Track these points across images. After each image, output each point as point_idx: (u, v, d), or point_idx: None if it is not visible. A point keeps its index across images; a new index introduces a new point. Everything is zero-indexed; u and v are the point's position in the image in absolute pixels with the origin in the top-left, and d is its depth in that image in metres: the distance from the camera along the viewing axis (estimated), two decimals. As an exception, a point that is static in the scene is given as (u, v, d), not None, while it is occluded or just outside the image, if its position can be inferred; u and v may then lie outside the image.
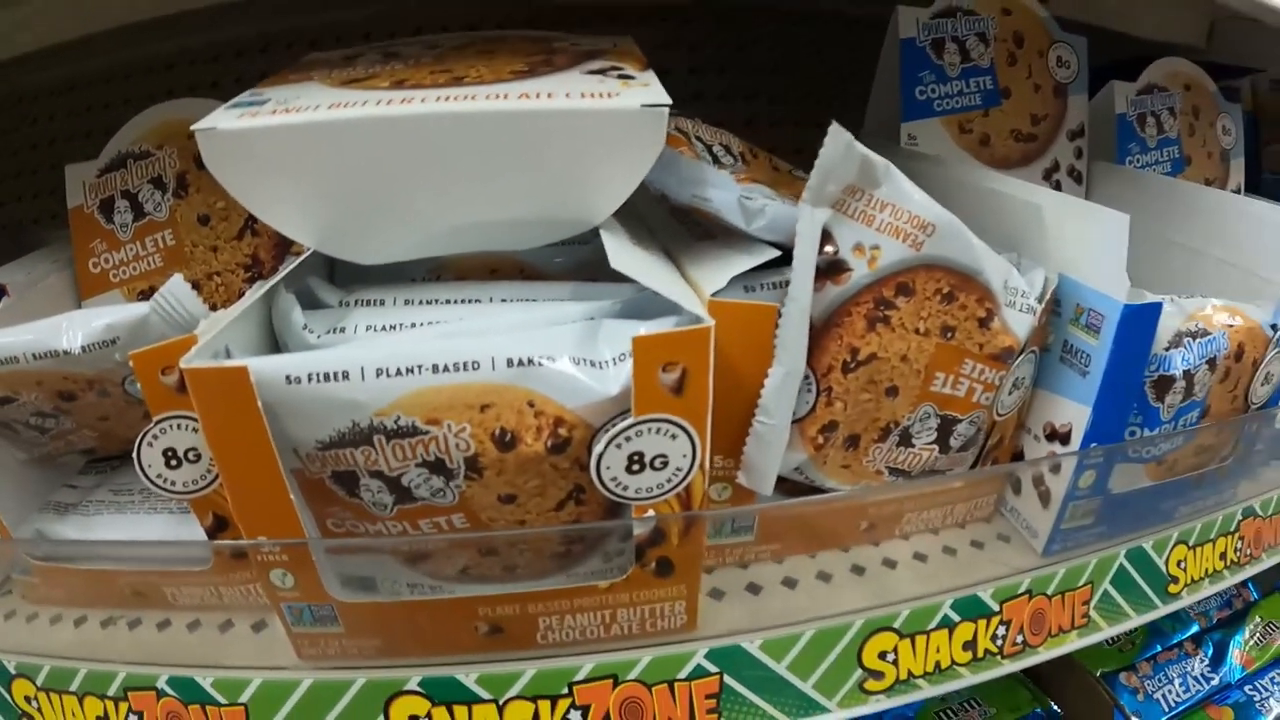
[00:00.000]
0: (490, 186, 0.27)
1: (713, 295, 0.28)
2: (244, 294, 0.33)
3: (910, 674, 0.35)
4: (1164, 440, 0.37)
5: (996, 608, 0.36)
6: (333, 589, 0.29)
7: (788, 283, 0.28)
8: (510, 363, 0.25)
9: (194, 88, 0.57)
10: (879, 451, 0.32)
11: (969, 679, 0.36)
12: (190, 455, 0.29)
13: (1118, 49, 0.54)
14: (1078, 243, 0.33)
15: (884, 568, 0.36)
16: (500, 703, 0.31)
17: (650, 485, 0.26)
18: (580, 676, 0.31)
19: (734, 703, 0.32)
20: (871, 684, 0.34)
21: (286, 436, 0.25)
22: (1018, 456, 0.38)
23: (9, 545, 0.35)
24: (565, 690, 0.31)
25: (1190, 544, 0.41)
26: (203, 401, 0.25)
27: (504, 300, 0.31)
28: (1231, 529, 0.43)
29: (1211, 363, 0.36)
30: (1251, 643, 0.52)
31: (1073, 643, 0.39)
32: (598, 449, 0.25)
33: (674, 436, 0.25)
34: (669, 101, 0.26)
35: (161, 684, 0.32)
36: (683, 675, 0.31)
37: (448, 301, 0.31)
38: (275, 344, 0.30)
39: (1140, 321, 0.32)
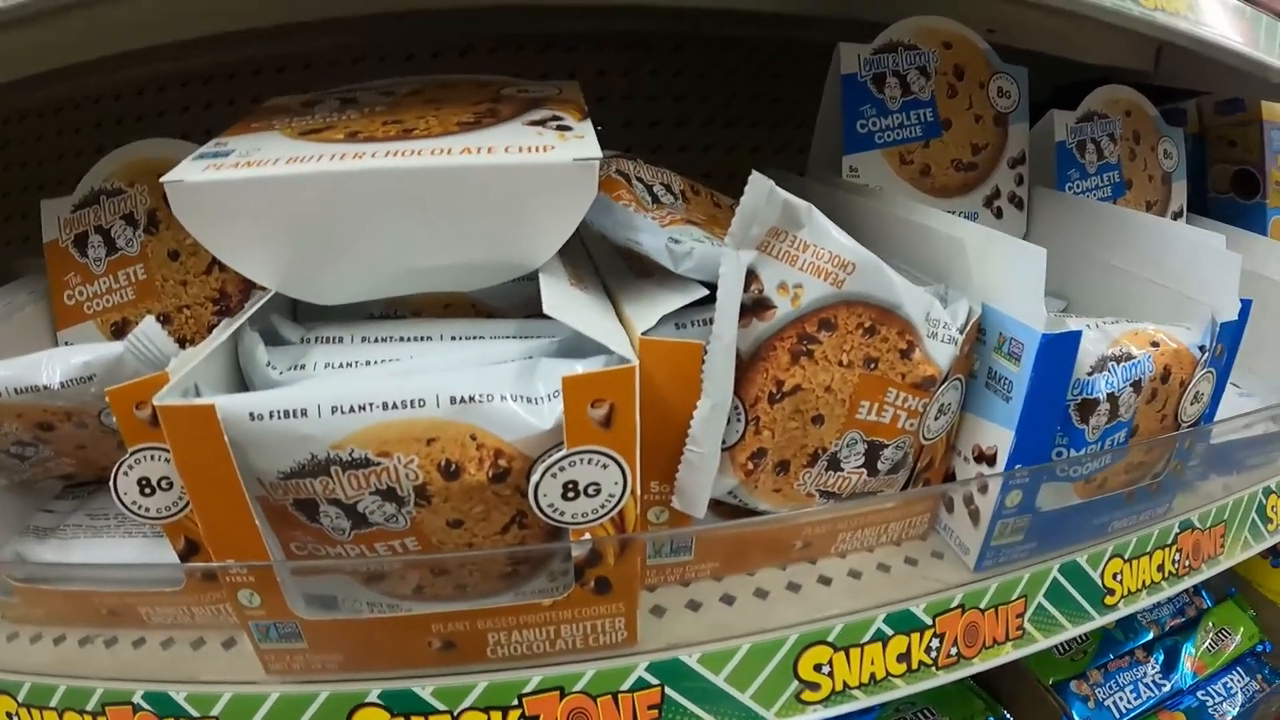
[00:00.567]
0: (435, 234, 0.31)
1: (643, 334, 0.32)
2: (212, 327, 0.37)
3: (846, 685, 0.39)
4: (1090, 460, 0.41)
5: (929, 621, 0.40)
6: (297, 608, 0.33)
7: (717, 320, 0.32)
8: (453, 400, 0.29)
9: (164, 112, 0.62)
10: (809, 476, 0.36)
11: (904, 689, 0.40)
12: (163, 484, 0.33)
13: (1067, 75, 0.59)
14: (998, 274, 0.37)
15: (819, 585, 0.40)
16: (455, 713, 0.35)
17: (585, 511, 0.30)
18: (529, 688, 0.35)
19: (676, 713, 0.36)
20: (808, 695, 0.38)
21: (251, 467, 0.30)
22: (950, 477, 0.42)
23: (-10, 567, 0.39)
24: (515, 701, 0.35)
25: (1126, 557, 0.46)
26: (174, 436, 0.29)
27: (453, 338, 0.35)
28: (1169, 542, 0.47)
29: (1136, 385, 0.41)
30: (1203, 648, 0.56)
31: (1008, 654, 0.43)
32: (534, 478, 0.29)
33: (605, 466, 0.30)
34: (599, 155, 0.30)
35: (138, 699, 0.36)
36: (625, 687, 0.36)
37: (402, 339, 0.35)
38: (242, 379, 0.34)
39: (1059, 349, 0.36)
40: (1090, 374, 0.39)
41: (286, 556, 0.33)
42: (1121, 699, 0.53)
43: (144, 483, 0.32)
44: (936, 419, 0.38)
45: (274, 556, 0.32)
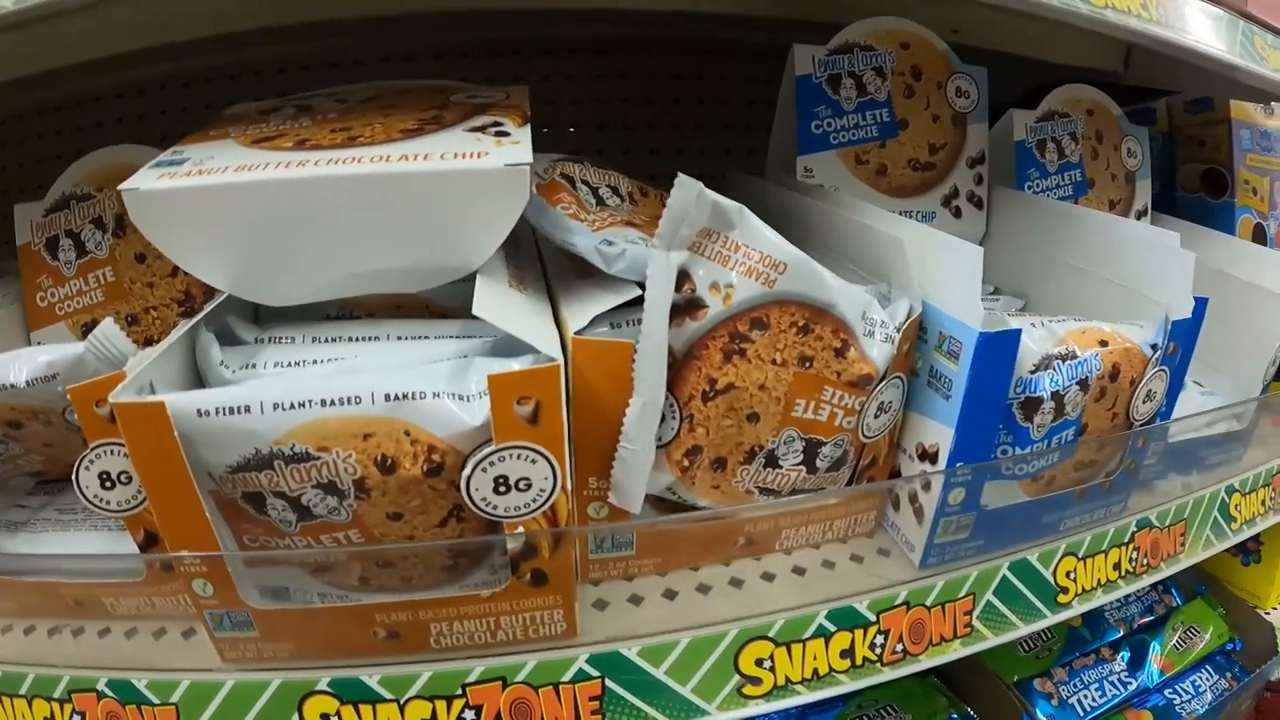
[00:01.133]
0: (374, 239, 0.33)
1: (576, 333, 0.34)
2: (177, 327, 0.39)
3: (788, 680, 0.41)
4: (1036, 458, 0.42)
5: (873, 618, 0.42)
6: (250, 598, 0.36)
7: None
8: (388, 397, 0.31)
9: (143, 115, 0.65)
10: (746, 473, 0.38)
11: (849, 685, 0.42)
12: (123, 478, 0.35)
13: (1038, 77, 0.60)
14: (937, 273, 0.39)
15: (763, 581, 0.42)
16: (401, 702, 0.37)
17: (518, 505, 0.33)
18: (472, 678, 0.37)
19: (617, 705, 0.38)
20: (750, 689, 0.40)
21: (201, 461, 0.32)
22: (895, 475, 0.43)
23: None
24: (459, 691, 0.37)
25: (1080, 555, 0.47)
26: (129, 431, 0.31)
27: (400, 338, 0.37)
28: (1125, 540, 0.49)
29: (1083, 384, 0.42)
30: (1170, 646, 0.57)
31: (957, 651, 0.44)
32: (465, 473, 0.31)
33: (534, 461, 0.32)
34: (529, 160, 0.32)
35: (101, 686, 0.38)
36: (566, 678, 0.38)
37: (350, 339, 0.38)
38: (199, 377, 0.37)
39: (997, 348, 0.38)
40: (1034, 372, 0.40)
41: (240, 548, 0.35)
42: (1086, 697, 0.54)
43: (104, 477, 0.35)
44: (876, 417, 0.40)
45: (226, 548, 0.34)
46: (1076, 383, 0.41)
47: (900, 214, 0.44)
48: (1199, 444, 0.52)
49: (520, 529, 0.33)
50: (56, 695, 0.39)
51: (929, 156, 0.53)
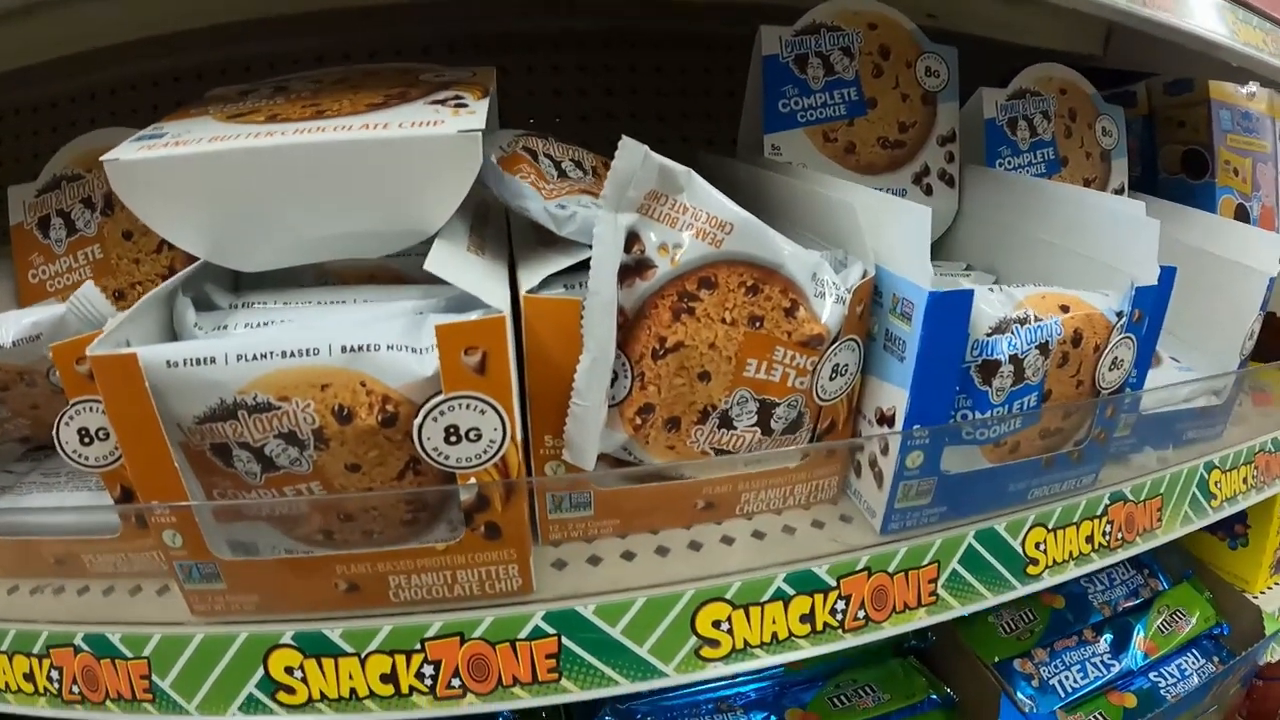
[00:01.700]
0: (339, 203, 0.36)
1: (527, 292, 0.36)
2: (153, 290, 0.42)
3: (747, 643, 0.42)
4: (996, 423, 0.44)
5: (833, 583, 0.43)
6: (220, 552, 0.38)
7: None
8: (344, 349, 0.34)
9: (136, 109, 0.69)
10: (700, 433, 0.40)
11: (809, 650, 0.43)
12: (100, 434, 0.38)
13: (1020, 62, 0.62)
14: (889, 237, 0.41)
15: (722, 544, 0.43)
16: (362, 656, 0.39)
17: (469, 455, 0.35)
18: (431, 633, 0.39)
19: (573, 664, 0.40)
20: (708, 651, 0.41)
21: (171, 413, 0.35)
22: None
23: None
24: (418, 646, 0.39)
25: (1050, 526, 0.48)
26: (104, 382, 0.34)
27: (365, 301, 0.40)
28: (1098, 513, 0.49)
29: (1043, 348, 0.43)
30: (1155, 629, 0.57)
31: (922, 619, 0.45)
32: (417, 421, 0.34)
33: (483, 411, 0.34)
34: (481, 127, 0.35)
35: (78, 641, 0.41)
36: (523, 635, 0.39)
37: (319, 303, 0.40)
38: (174, 339, 0.40)
39: (948, 308, 0.40)
40: (990, 335, 0.42)
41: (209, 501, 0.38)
42: (1068, 678, 0.54)
43: (83, 432, 0.38)
44: (832, 379, 0.41)
45: (196, 500, 0.37)
46: (1036, 347, 0.43)
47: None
48: (1174, 417, 0.53)
49: (472, 480, 0.36)
50: (35, 651, 0.42)
51: (898, 135, 0.55)
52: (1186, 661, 0.57)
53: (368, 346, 0.34)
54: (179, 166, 0.36)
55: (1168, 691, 0.54)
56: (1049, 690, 0.53)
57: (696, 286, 0.37)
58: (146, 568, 0.43)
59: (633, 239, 0.37)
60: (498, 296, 0.34)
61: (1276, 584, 0.65)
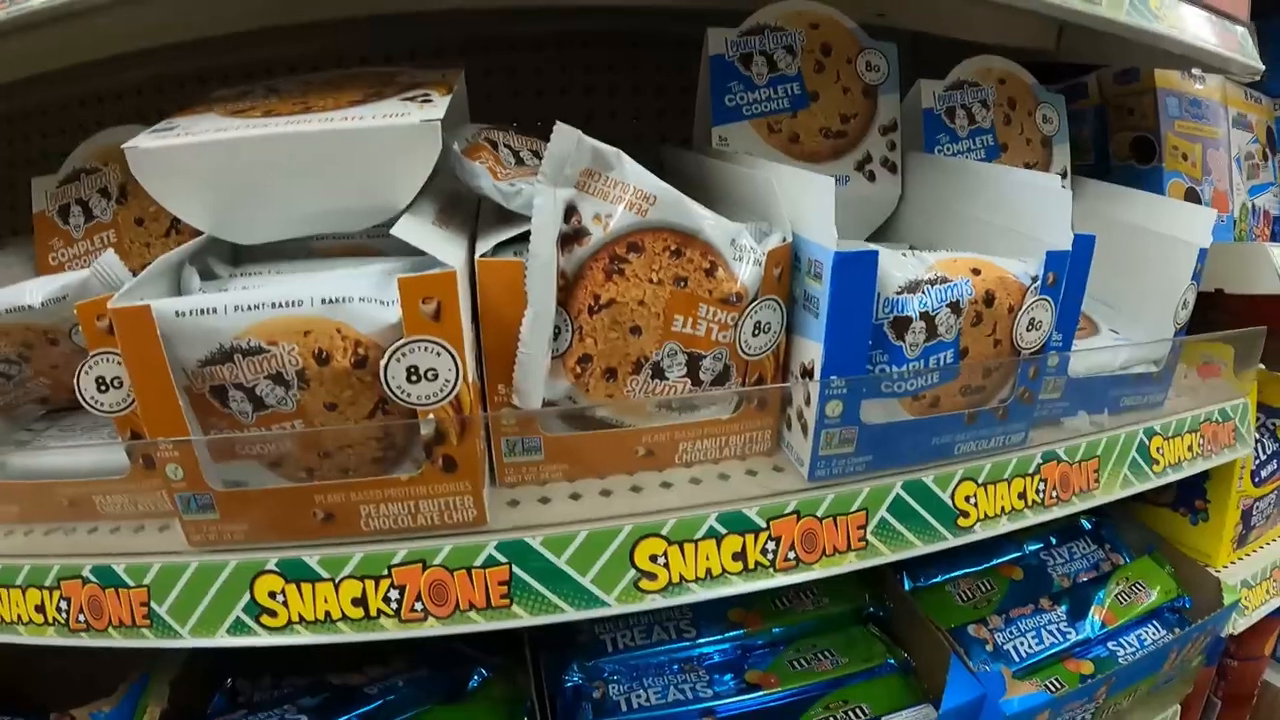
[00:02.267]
0: (321, 183, 0.47)
1: (480, 256, 0.47)
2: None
3: (683, 578, 0.51)
4: (914, 376, 0.53)
5: (763, 524, 0.52)
6: (215, 487, 0.49)
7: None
8: (323, 300, 0.44)
9: (142, 111, 0.83)
10: (636, 383, 0.50)
11: (742, 586, 0.52)
12: (115, 382, 0.49)
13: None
14: (801, 206, 0.51)
15: (661, 489, 0.53)
16: (336, 581, 0.49)
17: (428, 394, 0.45)
18: (397, 560, 0.49)
19: (523, 590, 0.49)
20: (646, 583, 0.51)
21: (177, 357, 0.46)
22: (786, 396, 0.55)
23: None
24: (385, 572, 0.49)
25: (980, 481, 0.57)
26: (122, 331, 0.45)
27: (344, 268, 0.51)
28: (1030, 471, 0.58)
29: (954, 306, 0.53)
30: (1113, 600, 0.64)
31: (852, 563, 0.54)
32: (383, 362, 0.44)
33: (439, 354, 0.44)
34: (440, 117, 0.46)
35: (86, 572, 0.51)
36: (478, 563, 0.49)
37: (307, 272, 0.52)
38: (180, 304, 0.51)
39: (854, 266, 0.49)
40: (900, 293, 0.51)
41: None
42: (1022, 644, 0.62)
43: (100, 381, 0.49)
44: (755, 335, 0.51)
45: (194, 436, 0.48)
46: (947, 305, 0.52)
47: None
48: (1109, 383, 0.61)
49: (431, 416, 0.46)
50: (47, 584, 0.52)
51: (840, 125, 0.65)
52: (1147, 633, 0.64)
53: (343, 298, 0.44)
54: (190, 153, 0.48)
55: (1126, 660, 0.61)
56: (1003, 654, 0.61)
57: (625, 250, 0.48)
58: (150, 508, 0.53)
59: (571, 211, 0.48)
60: (452, 257, 0.45)
61: (1239, 559, 0.72)
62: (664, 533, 0.50)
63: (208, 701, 0.61)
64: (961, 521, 0.56)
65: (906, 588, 0.69)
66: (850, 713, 0.59)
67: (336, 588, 0.49)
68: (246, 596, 0.49)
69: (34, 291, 0.49)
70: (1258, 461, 0.72)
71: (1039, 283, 0.54)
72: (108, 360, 0.48)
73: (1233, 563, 0.71)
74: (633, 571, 0.50)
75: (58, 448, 0.53)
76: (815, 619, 0.66)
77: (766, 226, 0.53)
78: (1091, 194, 0.70)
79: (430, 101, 0.49)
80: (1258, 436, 0.72)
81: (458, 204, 0.60)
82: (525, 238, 0.48)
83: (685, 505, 0.51)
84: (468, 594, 0.49)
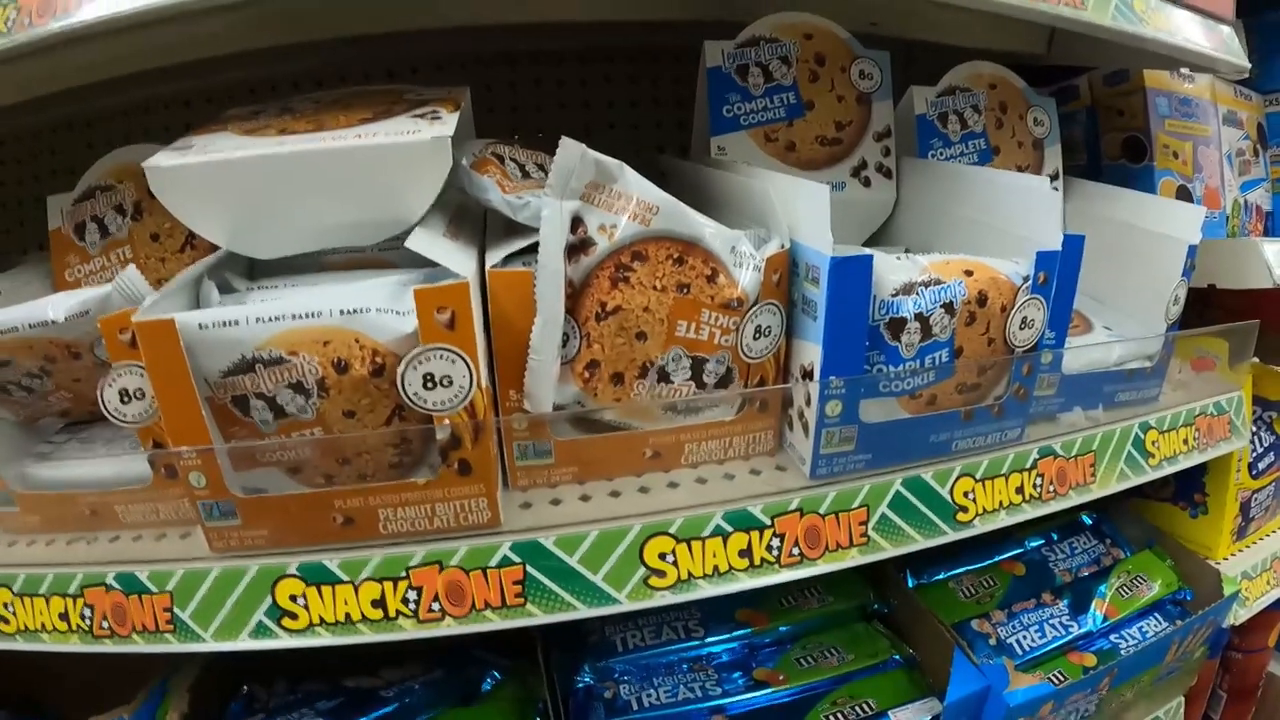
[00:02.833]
0: (335, 198, 0.51)
1: (491, 267, 0.50)
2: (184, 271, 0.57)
3: (691, 575, 0.54)
4: (911, 376, 0.56)
5: (768, 521, 0.55)
6: (236, 493, 0.52)
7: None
8: (342, 311, 0.47)
9: (149, 130, 0.86)
10: (642, 387, 0.53)
11: (749, 582, 0.55)
12: (138, 394, 0.52)
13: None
14: (798, 214, 0.54)
15: (668, 488, 0.56)
16: (356, 583, 0.52)
17: (443, 399, 0.48)
18: (414, 562, 0.52)
19: (536, 589, 0.52)
20: (655, 581, 0.53)
21: (200, 368, 0.48)
22: (787, 397, 0.58)
23: None
24: (404, 573, 0.52)
25: (977, 477, 0.59)
26: (146, 344, 0.48)
27: (360, 279, 0.54)
28: (1027, 466, 0.61)
29: (948, 307, 0.56)
30: (1115, 592, 0.67)
31: (854, 558, 0.57)
32: (401, 370, 0.47)
33: (453, 361, 0.47)
34: (450, 134, 0.49)
35: (110, 580, 0.54)
36: (493, 563, 0.52)
37: (321, 284, 0.55)
38: (198, 318, 0.54)
39: (851, 270, 0.52)
40: (895, 295, 0.55)
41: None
42: (1025, 638, 0.64)
43: (124, 393, 0.52)
44: (756, 339, 0.54)
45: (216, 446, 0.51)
46: (941, 306, 0.55)
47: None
48: (1103, 379, 0.64)
49: (446, 421, 0.49)
50: (70, 591, 0.55)
51: (835, 133, 0.69)
52: (1149, 625, 0.67)
53: (361, 309, 0.47)
54: (207, 170, 0.51)
55: (1128, 653, 0.63)
56: (1006, 648, 0.64)
57: (630, 259, 0.51)
58: (172, 516, 0.56)
59: (577, 222, 0.51)
60: (464, 268, 0.48)
61: (1239, 551, 0.75)
62: (672, 531, 0.53)
63: (225, 707, 0.64)
64: (960, 516, 0.59)
65: (910, 585, 0.72)
66: (857, 707, 0.61)
67: (356, 590, 0.52)
68: (268, 600, 0.52)
69: (57, 307, 0.52)
70: (1255, 454, 0.75)
71: (1030, 282, 0.57)
72: (130, 373, 0.51)
73: (1233, 555, 0.74)
74: (642, 569, 0.53)
75: (86, 460, 0.56)
76: (821, 617, 0.69)
77: (765, 233, 0.56)
78: (1083, 194, 0.74)
79: (440, 119, 0.52)
80: (1255, 430, 0.75)
81: (465, 216, 0.63)
82: (534, 249, 0.51)
83: (692, 504, 0.54)
84: (483, 594, 0.52)
